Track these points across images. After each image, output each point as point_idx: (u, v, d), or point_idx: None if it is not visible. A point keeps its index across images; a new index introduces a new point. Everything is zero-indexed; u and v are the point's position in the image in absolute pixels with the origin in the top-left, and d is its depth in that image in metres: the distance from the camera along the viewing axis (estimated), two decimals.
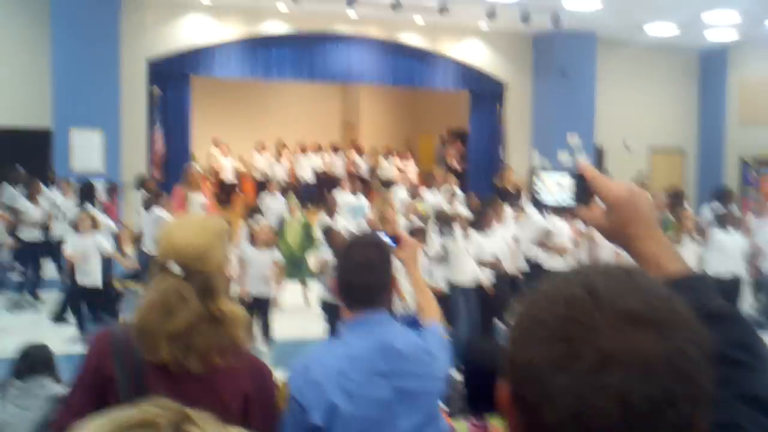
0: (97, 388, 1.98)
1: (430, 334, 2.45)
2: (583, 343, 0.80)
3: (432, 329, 2.50)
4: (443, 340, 2.49)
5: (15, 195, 12.15)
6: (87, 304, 8.76)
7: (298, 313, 9.92)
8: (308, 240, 9.98)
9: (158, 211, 9.78)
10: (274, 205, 11.71)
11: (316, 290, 9.84)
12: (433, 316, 2.63)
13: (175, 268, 1.95)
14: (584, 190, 1.34)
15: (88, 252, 8.50)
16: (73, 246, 8.55)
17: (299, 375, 2.17)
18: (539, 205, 1.45)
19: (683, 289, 0.92)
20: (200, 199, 10.45)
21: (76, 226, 8.68)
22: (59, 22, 14.47)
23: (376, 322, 2.28)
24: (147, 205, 10.80)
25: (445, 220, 8.37)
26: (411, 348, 2.29)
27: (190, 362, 1.93)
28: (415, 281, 2.72)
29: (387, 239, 2.61)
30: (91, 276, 8.52)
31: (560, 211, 8.58)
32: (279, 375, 2.44)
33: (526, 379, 0.83)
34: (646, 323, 0.80)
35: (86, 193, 9.95)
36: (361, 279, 2.27)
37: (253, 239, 7.96)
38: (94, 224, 8.74)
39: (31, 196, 10.71)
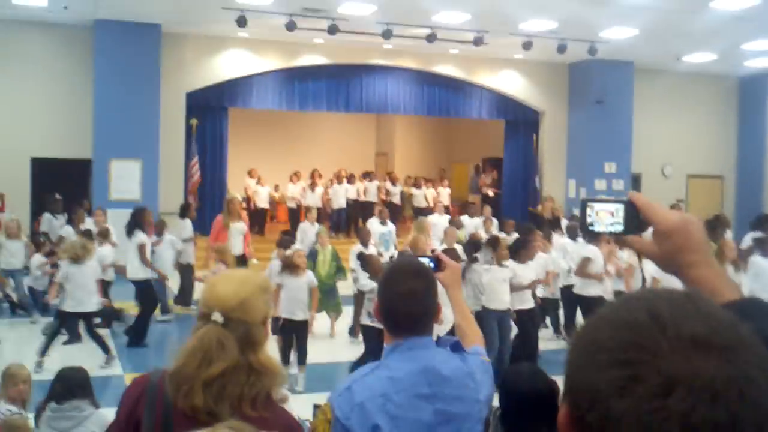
0: None
1: (473, 357, 2.42)
2: (647, 367, 0.80)
3: (474, 353, 2.46)
4: (486, 364, 2.45)
5: (54, 223, 12.35)
6: (86, 327, 8.60)
7: (327, 340, 9.93)
8: (338, 271, 9.97)
9: (140, 236, 9.65)
10: (311, 232, 11.75)
11: (348, 319, 9.87)
12: (475, 340, 2.58)
13: (218, 317, 1.99)
14: (635, 219, 1.36)
15: (85, 280, 8.39)
16: (68, 275, 8.38)
17: (343, 397, 2.15)
18: (586, 232, 1.45)
19: (740, 315, 0.90)
20: (241, 228, 10.50)
21: (74, 255, 8.47)
22: (102, 57, 14.84)
23: (420, 346, 2.26)
24: (129, 231, 10.06)
25: (476, 246, 8.34)
26: (454, 372, 2.26)
27: (221, 410, 1.94)
28: (457, 305, 2.67)
29: (428, 262, 2.57)
30: (89, 302, 8.40)
31: (593, 238, 8.51)
32: (316, 399, 2.41)
33: (588, 403, 0.82)
34: (710, 347, 0.80)
35: (137, 219, 9.96)
36: (405, 308, 2.25)
37: (289, 265, 7.94)
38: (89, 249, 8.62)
39: (75, 223, 10.82)
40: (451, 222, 12.86)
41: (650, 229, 1.36)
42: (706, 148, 20.27)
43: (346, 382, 2.22)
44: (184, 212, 11.86)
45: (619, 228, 1.40)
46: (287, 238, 9.62)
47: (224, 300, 2.02)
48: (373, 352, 7.57)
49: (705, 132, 20.23)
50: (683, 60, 17.81)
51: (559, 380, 1.12)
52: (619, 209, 1.40)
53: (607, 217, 1.42)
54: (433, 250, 9.54)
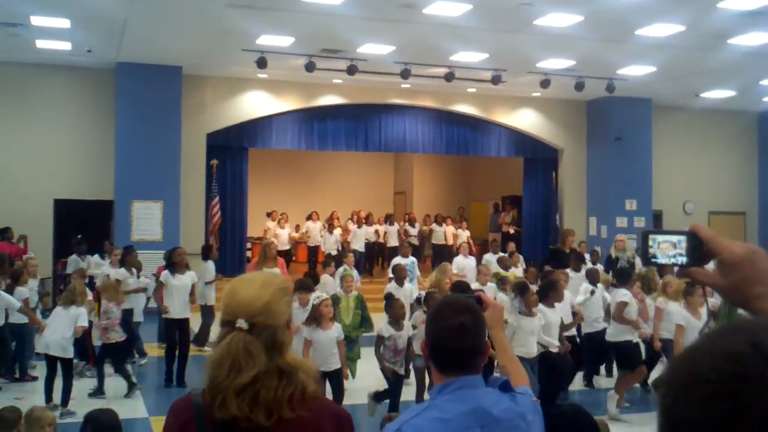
0: None
1: (522, 398, 2.36)
2: (752, 399, 0.78)
3: (524, 393, 2.39)
4: (536, 404, 2.40)
5: (81, 265, 12.40)
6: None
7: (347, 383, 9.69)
8: (363, 321, 9.43)
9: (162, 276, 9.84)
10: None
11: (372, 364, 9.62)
12: (521, 380, 2.52)
13: (242, 323, 1.97)
14: (699, 250, 1.35)
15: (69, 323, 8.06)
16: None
17: None
18: (648, 264, 1.43)
19: None
20: (275, 273, 10.44)
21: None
22: (123, 99, 15.04)
23: (469, 385, 2.21)
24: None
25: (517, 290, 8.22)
26: (505, 412, 2.21)
27: (257, 416, 1.91)
28: (500, 345, 2.63)
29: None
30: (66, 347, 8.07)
31: (624, 281, 8.28)
32: None
33: None
34: None
35: (167, 259, 10.05)
36: (455, 344, 2.20)
37: (316, 317, 7.60)
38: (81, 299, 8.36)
39: (113, 265, 10.77)
40: (499, 261, 12.69)
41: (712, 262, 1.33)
42: (727, 184, 20.15)
43: (395, 424, 2.17)
44: (206, 254, 11.78)
45: (683, 260, 1.38)
46: (306, 281, 9.15)
47: (247, 305, 1.99)
48: (393, 390, 7.54)
49: (725, 168, 20.14)
50: (702, 96, 17.82)
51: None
52: (682, 241, 1.38)
53: (669, 248, 1.40)
54: (471, 289, 9.40)
